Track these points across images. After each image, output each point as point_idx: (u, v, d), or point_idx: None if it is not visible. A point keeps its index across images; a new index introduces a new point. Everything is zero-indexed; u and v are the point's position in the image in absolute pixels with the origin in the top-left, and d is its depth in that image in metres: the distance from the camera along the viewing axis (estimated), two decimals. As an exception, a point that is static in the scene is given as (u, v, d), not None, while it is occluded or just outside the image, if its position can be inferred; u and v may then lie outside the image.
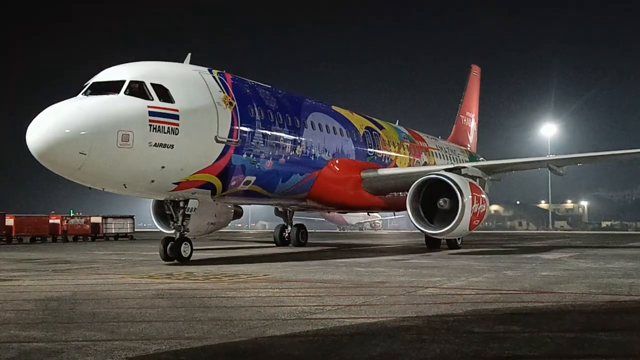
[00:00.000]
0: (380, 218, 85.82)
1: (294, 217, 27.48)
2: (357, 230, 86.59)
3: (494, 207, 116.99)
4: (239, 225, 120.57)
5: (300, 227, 27.58)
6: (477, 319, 6.83)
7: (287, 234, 27.20)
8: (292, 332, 5.98)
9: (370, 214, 37.58)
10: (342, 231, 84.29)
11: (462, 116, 39.78)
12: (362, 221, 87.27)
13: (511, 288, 9.86)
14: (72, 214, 41.91)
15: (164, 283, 10.79)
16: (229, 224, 25.37)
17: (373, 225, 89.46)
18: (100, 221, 40.68)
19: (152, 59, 15.90)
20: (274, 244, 27.53)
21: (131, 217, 43.22)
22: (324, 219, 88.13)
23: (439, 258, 17.77)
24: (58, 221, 38.66)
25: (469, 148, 38.82)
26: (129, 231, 42.20)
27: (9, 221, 35.69)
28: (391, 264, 15.71)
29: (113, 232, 41.02)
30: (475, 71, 42.14)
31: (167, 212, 16.38)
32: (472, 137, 40.74)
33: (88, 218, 40.77)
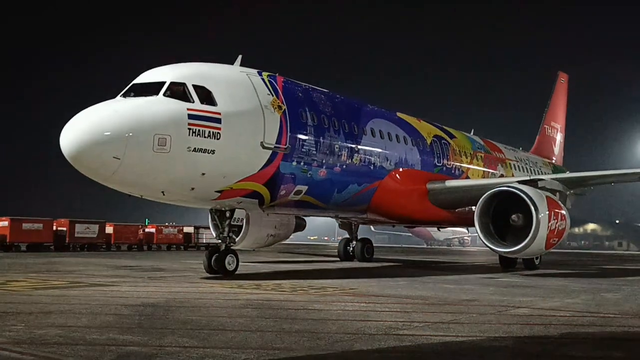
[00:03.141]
0: (470, 234, 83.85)
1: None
2: (445, 247, 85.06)
3: (591, 226, 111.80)
4: (326, 238, 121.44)
5: (366, 242, 26.36)
6: (573, 342, 6.52)
7: (351, 249, 26.19)
8: (379, 347, 5.93)
9: (440, 229, 35.44)
10: (429, 247, 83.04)
11: (546, 127, 37.31)
12: (450, 237, 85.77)
13: (610, 311, 9.35)
14: (147, 223, 43.47)
15: (252, 293, 10.99)
16: (306, 236, 24.39)
17: (462, 241, 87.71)
18: (193, 231, 42.11)
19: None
20: (338, 259, 26.73)
21: (222, 227, 44.24)
22: (411, 234, 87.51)
23: (532, 277, 17.14)
24: (153, 230, 40.41)
25: (554, 161, 36.40)
26: (219, 241, 43.28)
27: (109, 229, 37.61)
28: (481, 281, 15.31)
29: (204, 241, 42.25)
30: (563, 78, 39.51)
31: (213, 222, 15.72)
32: (557, 149, 38.16)
33: (181, 228, 42.34)
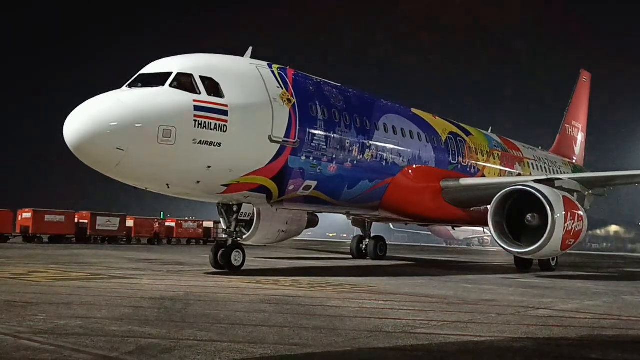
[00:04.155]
0: (489, 234, 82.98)
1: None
2: (464, 246, 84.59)
3: (613, 228, 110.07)
4: (344, 235, 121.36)
5: (379, 239, 26.03)
6: (593, 345, 6.45)
7: (364, 246, 25.95)
8: (397, 345, 5.91)
9: (456, 228, 34.78)
10: (448, 246, 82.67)
11: (567, 126, 36.57)
12: (470, 237, 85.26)
13: (632, 314, 9.23)
14: (162, 217, 43.83)
15: (270, 289, 11.02)
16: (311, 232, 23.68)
17: (481, 241, 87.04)
18: (212, 226, 42.38)
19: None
20: (350, 256, 26.49)
21: (241, 222, 44.46)
22: (430, 233, 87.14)
23: (552, 278, 16.97)
24: (173, 224, 40.76)
25: (574, 161, 35.67)
26: (238, 237, 43.45)
27: (129, 222, 38.01)
28: (500, 281, 15.19)
29: (224, 236, 42.42)
30: (585, 77, 38.69)
31: (220, 216, 15.61)
32: (578, 149, 37.35)
33: (201, 222, 42.65)
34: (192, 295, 9.69)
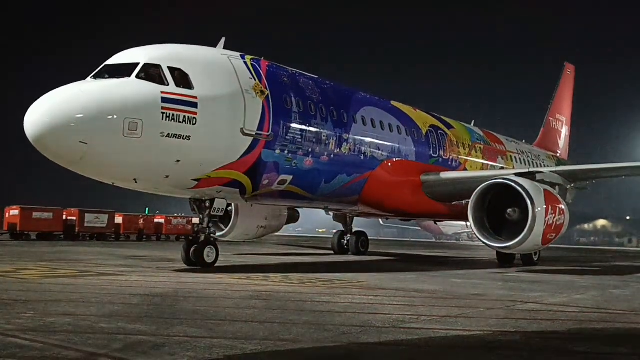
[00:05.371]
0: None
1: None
2: (454, 241, 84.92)
3: (601, 222, 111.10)
4: (334, 231, 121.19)
5: (361, 235, 26.02)
6: (581, 338, 6.50)
7: (346, 242, 25.85)
8: (386, 340, 5.93)
9: (437, 222, 34.01)
10: (437, 241, 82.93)
11: (551, 119, 36.41)
12: (459, 232, 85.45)
13: (619, 308, 9.32)
14: (147, 213, 43.57)
15: (260, 285, 11.02)
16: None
17: (470, 236, 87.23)
18: (202, 222, 42.27)
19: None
20: (332, 252, 26.44)
21: (230, 219, 44.41)
22: (420, 228, 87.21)
23: (540, 272, 17.07)
24: (162, 221, 40.62)
25: (558, 154, 35.50)
26: (227, 233, 43.39)
27: (118, 219, 37.83)
28: (489, 276, 15.28)
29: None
30: (569, 70, 38.58)
31: (192, 212, 15.25)
32: (562, 142, 37.25)
33: (190, 219, 42.53)
34: (181, 291, 9.68)
